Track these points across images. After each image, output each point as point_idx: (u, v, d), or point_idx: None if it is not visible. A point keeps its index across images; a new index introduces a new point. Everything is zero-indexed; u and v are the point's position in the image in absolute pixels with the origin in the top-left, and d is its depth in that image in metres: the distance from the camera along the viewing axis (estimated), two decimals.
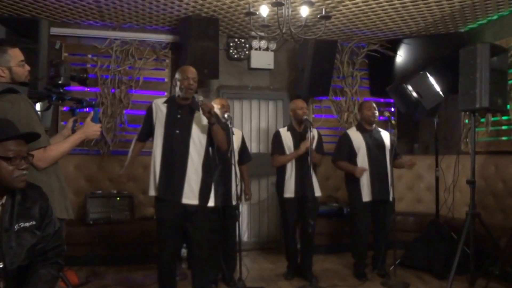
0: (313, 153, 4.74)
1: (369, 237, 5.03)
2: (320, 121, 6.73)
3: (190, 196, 3.74)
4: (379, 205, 4.92)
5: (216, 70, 5.86)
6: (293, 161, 4.87)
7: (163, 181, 3.75)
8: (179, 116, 3.81)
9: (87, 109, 3.23)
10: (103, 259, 5.26)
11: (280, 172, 5.00)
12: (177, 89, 3.85)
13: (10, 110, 2.49)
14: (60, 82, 3.02)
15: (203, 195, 3.82)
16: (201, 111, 3.75)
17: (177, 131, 3.77)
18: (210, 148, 3.91)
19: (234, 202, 4.61)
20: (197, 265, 3.89)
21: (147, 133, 3.96)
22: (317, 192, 4.87)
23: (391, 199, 4.84)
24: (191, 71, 3.86)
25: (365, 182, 4.90)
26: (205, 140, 3.84)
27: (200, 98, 3.72)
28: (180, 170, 3.74)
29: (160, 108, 3.87)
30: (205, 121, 3.78)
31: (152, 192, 3.83)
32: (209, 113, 3.63)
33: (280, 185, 4.99)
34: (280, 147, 4.98)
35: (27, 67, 2.78)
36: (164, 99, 3.96)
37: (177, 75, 3.88)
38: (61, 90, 3.06)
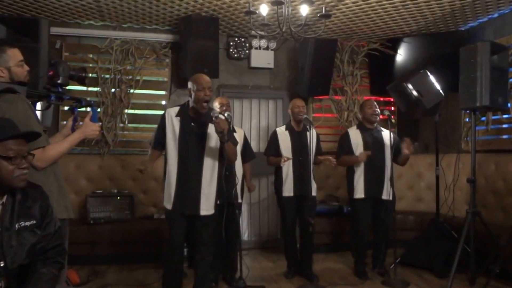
0: (321, 158, 4.82)
1: (369, 236, 5.03)
2: (320, 120, 6.73)
3: (207, 207, 3.72)
4: (378, 203, 4.91)
5: (216, 69, 5.86)
6: (290, 160, 4.88)
7: (180, 196, 3.69)
8: (192, 130, 3.70)
9: (88, 108, 3.22)
10: (104, 258, 5.28)
11: (278, 171, 5.02)
12: (191, 100, 3.71)
13: (8, 110, 2.48)
14: (58, 81, 3.00)
15: (216, 203, 3.83)
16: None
17: (191, 146, 3.70)
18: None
19: (240, 200, 4.65)
20: (202, 266, 3.83)
21: (162, 141, 3.80)
22: (314, 192, 4.87)
23: (390, 197, 4.83)
24: (206, 81, 3.68)
25: (359, 178, 4.90)
26: (218, 152, 3.77)
27: (215, 114, 3.59)
28: (195, 184, 3.69)
29: (173, 120, 3.74)
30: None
31: (168, 206, 3.74)
32: (222, 133, 3.53)
33: (278, 184, 5.01)
34: (273, 148, 5.02)
35: (26, 67, 2.78)
36: (176, 110, 3.77)
37: (190, 85, 3.71)
38: (60, 90, 3.03)
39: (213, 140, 3.73)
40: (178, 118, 3.73)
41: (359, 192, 4.90)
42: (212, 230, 3.84)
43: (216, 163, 3.78)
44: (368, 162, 4.88)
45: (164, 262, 3.88)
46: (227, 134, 3.61)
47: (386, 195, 4.85)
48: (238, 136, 4.68)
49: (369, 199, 4.90)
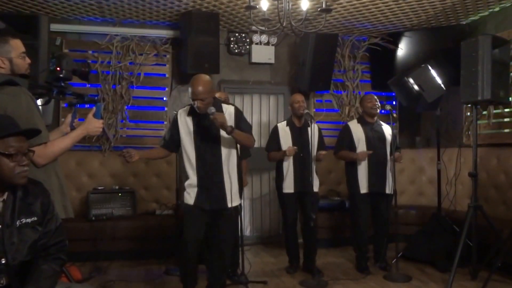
0: (321, 153, 4.82)
1: (370, 230, 5.03)
2: (322, 115, 6.72)
3: (233, 198, 3.77)
4: (378, 197, 4.92)
5: (217, 65, 5.84)
6: (291, 156, 4.87)
7: (203, 192, 3.72)
8: (206, 127, 3.72)
9: (88, 105, 3.18)
10: (106, 255, 5.29)
11: (279, 167, 5.01)
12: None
13: (10, 103, 2.45)
14: (61, 75, 2.94)
15: (241, 194, 3.90)
16: (225, 115, 3.74)
17: (207, 140, 3.73)
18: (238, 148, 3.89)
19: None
20: (219, 262, 3.83)
21: (171, 144, 3.84)
22: (315, 188, 4.84)
23: (391, 191, 4.84)
24: (197, 92, 3.57)
25: (363, 174, 4.90)
26: (233, 143, 3.80)
27: (212, 110, 3.56)
28: (217, 179, 3.73)
29: (186, 120, 3.76)
30: (231, 120, 3.74)
31: (190, 201, 3.73)
32: (222, 127, 3.55)
33: (279, 180, 4.99)
34: (275, 144, 5.00)
35: (28, 60, 2.72)
36: (187, 110, 3.79)
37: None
38: (62, 84, 2.97)
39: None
40: (190, 117, 3.76)
41: (363, 187, 4.90)
42: (233, 225, 3.89)
43: (233, 153, 3.82)
44: (371, 157, 4.87)
45: (181, 260, 3.89)
46: (228, 125, 3.58)
47: (389, 189, 4.86)
48: None
49: (372, 193, 4.90)
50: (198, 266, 3.92)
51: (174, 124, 3.82)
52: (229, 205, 3.75)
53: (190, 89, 3.62)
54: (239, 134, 3.67)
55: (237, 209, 3.95)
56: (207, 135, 3.73)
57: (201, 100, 3.59)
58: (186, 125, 3.76)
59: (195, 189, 3.73)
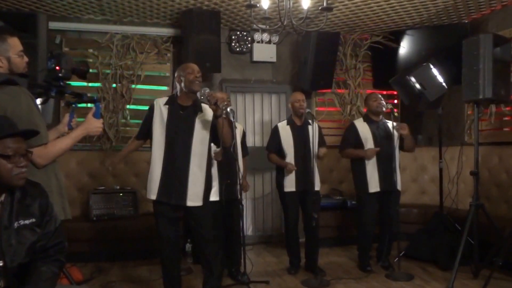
0: (321, 150, 4.79)
1: (374, 229, 5.02)
2: (323, 113, 6.71)
3: (194, 198, 3.66)
4: (386, 196, 4.89)
5: (218, 64, 5.83)
6: (292, 155, 4.86)
7: (165, 185, 3.66)
8: (181, 117, 3.69)
9: (93, 103, 3.15)
10: (108, 255, 5.28)
11: (279, 166, 4.99)
12: (182, 85, 3.69)
13: (10, 103, 2.43)
14: (60, 74, 2.89)
15: (207, 195, 3.77)
16: (204, 111, 3.72)
17: (179, 134, 3.67)
18: (212, 146, 3.82)
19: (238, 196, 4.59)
20: (207, 262, 3.80)
21: (146, 132, 3.85)
22: (317, 187, 4.83)
23: (399, 188, 4.83)
24: (195, 67, 3.73)
25: (372, 172, 4.86)
26: (208, 140, 3.74)
27: (206, 89, 3.59)
28: (182, 173, 3.64)
29: (161, 109, 3.74)
30: (209, 118, 3.68)
31: (152, 196, 3.71)
32: (215, 105, 3.48)
33: (280, 179, 4.97)
34: (276, 143, 4.98)
35: (26, 58, 2.69)
36: (165, 100, 3.80)
37: (180, 72, 3.72)
38: (61, 84, 2.93)
39: (203, 125, 3.71)
40: (167, 106, 3.74)
41: (373, 186, 4.86)
42: (211, 225, 3.79)
43: (205, 151, 3.75)
44: (379, 155, 4.84)
45: (160, 259, 3.90)
46: (222, 109, 3.54)
47: (395, 187, 4.84)
48: (238, 131, 4.66)
49: (380, 192, 4.87)
50: (180, 267, 3.95)
51: (150, 112, 3.82)
52: (189, 203, 3.65)
53: (186, 66, 3.75)
54: (224, 122, 3.61)
55: (209, 207, 3.84)
56: (180, 126, 3.68)
57: (198, 73, 3.69)
58: (160, 114, 3.72)
59: (157, 182, 3.67)
